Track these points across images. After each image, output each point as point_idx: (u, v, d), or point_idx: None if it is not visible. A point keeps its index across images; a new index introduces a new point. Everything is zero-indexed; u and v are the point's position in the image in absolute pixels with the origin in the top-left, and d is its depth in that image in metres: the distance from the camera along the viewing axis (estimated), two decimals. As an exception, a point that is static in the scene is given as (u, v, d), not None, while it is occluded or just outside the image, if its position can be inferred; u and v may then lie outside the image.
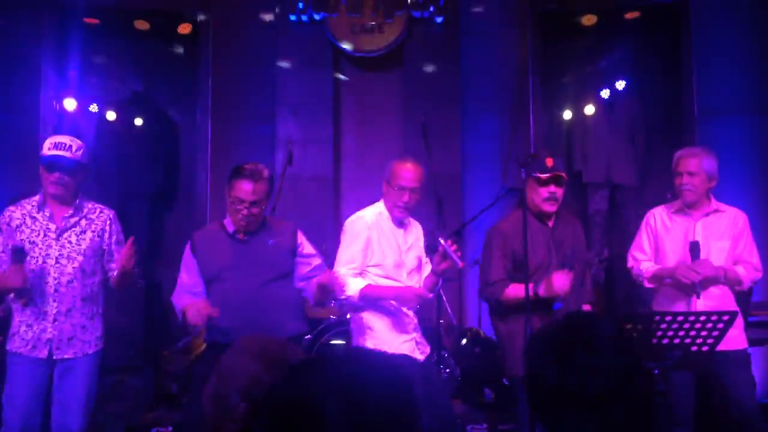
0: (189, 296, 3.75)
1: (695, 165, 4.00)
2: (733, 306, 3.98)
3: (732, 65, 6.53)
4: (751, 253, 4.05)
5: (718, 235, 4.02)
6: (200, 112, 6.83)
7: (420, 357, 3.83)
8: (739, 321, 3.95)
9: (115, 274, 3.84)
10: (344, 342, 5.00)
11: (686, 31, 6.69)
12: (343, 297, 3.77)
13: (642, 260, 4.17)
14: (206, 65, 6.77)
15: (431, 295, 3.91)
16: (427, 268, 3.95)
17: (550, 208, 3.81)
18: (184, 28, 7.02)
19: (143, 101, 7.15)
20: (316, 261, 3.89)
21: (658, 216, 4.18)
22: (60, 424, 3.75)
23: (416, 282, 3.92)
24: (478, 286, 6.10)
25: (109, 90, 7.23)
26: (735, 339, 3.93)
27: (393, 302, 3.79)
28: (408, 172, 3.80)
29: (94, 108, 7.00)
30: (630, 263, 4.25)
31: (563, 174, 3.82)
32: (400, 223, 3.90)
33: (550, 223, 3.89)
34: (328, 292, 3.69)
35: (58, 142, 3.76)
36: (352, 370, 1.29)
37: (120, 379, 5.17)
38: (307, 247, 3.89)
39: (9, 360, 3.79)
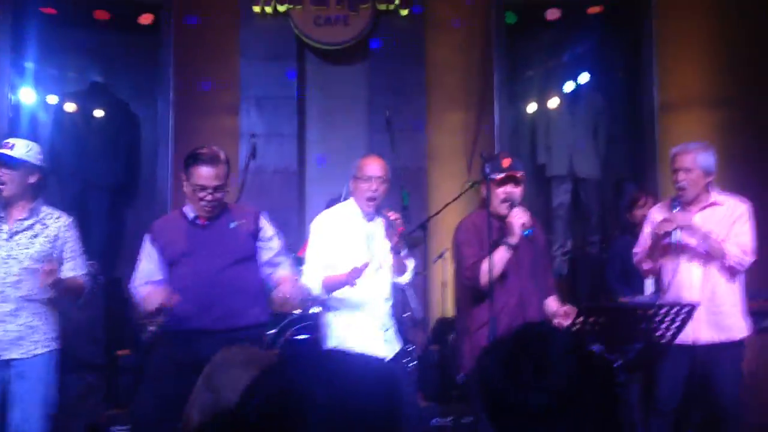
0: (149, 285, 3.70)
1: (690, 161, 4.01)
2: (738, 293, 4.01)
3: (691, 60, 6.63)
4: (743, 234, 4.03)
5: (715, 227, 4.02)
6: (162, 104, 6.72)
7: (386, 355, 3.81)
8: (734, 311, 4.00)
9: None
10: (309, 336, 4.97)
11: (647, 25, 6.77)
12: (310, 296, 3.80)
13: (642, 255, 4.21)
14: (168, 56, 6.66)
15: (405, 278, 3.98)
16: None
17: (506, 207, 3.78)
18: (146, 19, 6.89)
19: (103, 93, 7.02)
20: (276, 244, 3.85)
21: (658, 213, 4.21)
22: (17, 429, 3.65)
23: (385, 277, 3.91)
24: (445, 284, 6.18)
25: (68, 81, 7.09)
26: (729, 329, 3.98)
27: (355, 295, 3.77)
28: (372, 162, 3.90)
29: (52, 99, 6.86)
30: (635, 258, 4.29)
31: (517, 174, 3.80)
32: (370, 218, 3.90)
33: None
34: (291, 301, 3.68)
35: (4, 142, 3.78)
36: (335, 370, 1.28)
37: (81, 377, 5.09)
38: (268, 231, 3.85)
39: None
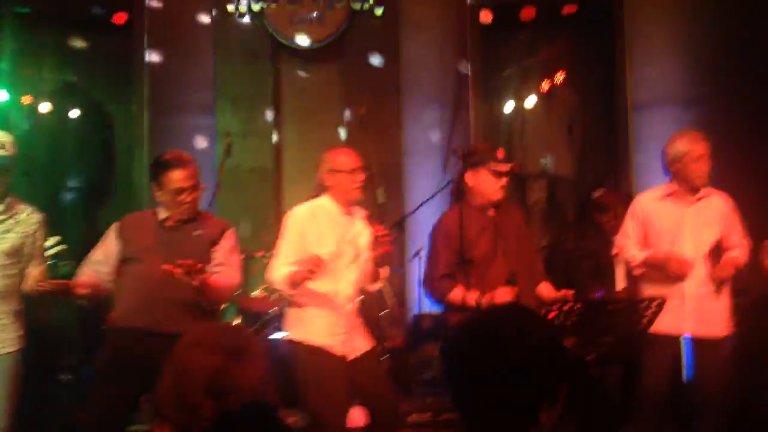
0: (90, 273, 3.74)
1: (705, 148, 4.02)
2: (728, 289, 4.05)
3: (666, 59, 6.69)
4: (742, 234, 4.09)
5: (708, 220, 4.04)
6: (136, 104, 6.69)
7: (348, 355, 3.81)
8: (722, 307, 4.04)
9: (29, 283, 3.75)
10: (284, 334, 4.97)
11: (621, 25, 6.83)
12: (276, 287, 3.80)
13: (628, 247, 4.17)
14: (141, 56, 6.63)
15: (376, 286, 3.98)
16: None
17: (501, 196, 3.89)
18: (119, 18, 6.85)
19: (77, 93, 6.97)
20: (222, 257, 3.80)
21: (644, 203, 4.18)
22: None
23: (356, 275, 3.90)
24: (419, 276, 6.19)
25: (41, 81, 7.03)
26: (715, 325, 4.02)
27: (322, 289, 3.77)
28: (350, 154, 3.89)
29: (25, 99, 6.80)
30: (614, 250, 4.28)
31: (514, 167, 3.93)
32: (348, 212, 3.90)
33: (491, 213, 3.93)
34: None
35: None
36: None
37: (55, 378, 5.05)
38: (229, 242, 3.84)
39: None
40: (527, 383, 1.43)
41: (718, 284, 4.04)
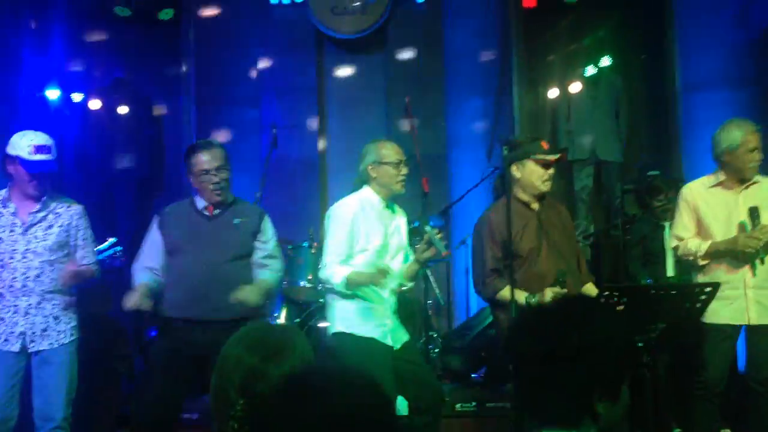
0: (145, 271, 3.83)
1: (758, 139, 3.98)
2: None
3: (713, 40, 6.55)
4: None
5: (761, 202, 3.98)
6: (184, 98, 6.81)
7: (392, 344, 3.83)
8: None
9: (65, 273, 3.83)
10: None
11: (668, 6, 6.70)
12: (329, 285, 3.79)
13: (687, 238, 4.10)
14: (188, 50, 6.74)
15: (411, 285, 3.97)
16: (410, 255, 3.97)
17: (548, 188, 3.85)
18: (166, 14, 6.97)
19: (126, 88, 7.10)
20: (271, 246, 3.93)
21: (695, 192, 4.13)
22: (42, 414, 3.78)
23: (398, 267, 3.91)
24: (468, 271, 6.19)
25: (91, 77, 7.18)
26: None
27: (370, 289, 3.80)
28: (394, 147, 3.91)
29: (76, 96, 6.97)
30: (674, 243, 4.20)
31: (557, 158, 3.88)
32: (388, 205, 3.91)
33: (536, 207, 3.90)
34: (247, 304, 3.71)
35: (39, 146, 3.74)
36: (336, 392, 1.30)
37: (108, 368, 5.17)
38: (268, 232, 3.94)
39: None
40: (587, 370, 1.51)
41: None
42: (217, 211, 3.85)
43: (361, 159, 3.91)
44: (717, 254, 4.01)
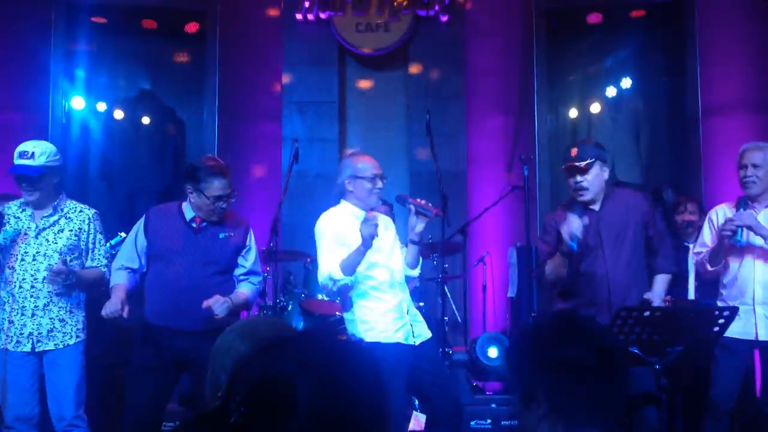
0: (124, 272, 3.85)
1: (760, 158, 4.04)
2: None
3: (735, 64, 6.56)
4: None
5: None
6: (207, 111, 6.89)
7: (415, 341, 3.85)
8: None
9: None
10: (350, 336, 5.04)
11: (690, 29, 6.72)
12: (334, 285, 3.77)
13: (703, 253, 4.19)
14: (213, 64, 6.82)
15: (416, 272, 3.99)
16: (404, 251, 3.99)
17: (579, 197, 3.89)
18: (191, 27, 7.08)
19: (151, 99, 7.21)
20: (250, 261, 3.96)
21: (720, 212, 4.19)
22: (56, 414, 3.90)
23: (398, 263, 3.93)
24: (485, 287, 6.23)
25: (117, 88, 7.30)
26: None
27: (375, 271, 3.79)
28: (371, 161, 3.90)
29: (101, 106, 7.07)
30: (694, 259, 4.31)
31: (576, 164, 3.86)
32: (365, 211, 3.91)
33: (595, 207, 3.93)
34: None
35: (22, 151, 3.88)
36: (327, 353, 1.32)
37: (120, 372, 5.22)
38: (250, 248, 3.97)
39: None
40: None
41: None
42: (204, 224, 3.86)
43: (339, 173, 3.94)
44: (717, 253, 4.07)
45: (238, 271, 3.96)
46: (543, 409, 1.58)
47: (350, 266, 3.71)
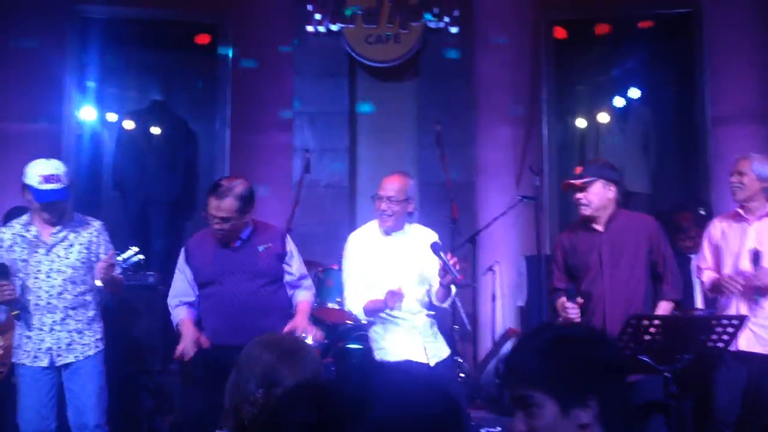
0: (183, 307, 3.92)
1: (746, 165, 4.11)
2: None
3: (743, 74, 6.58)
4: None
5: None
6: (219, 122, 6.96)
7: (429, 361, 3.89)
8: None
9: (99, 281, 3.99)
10: (360, 346, 5.07)
11: (698, 40, 6.74)
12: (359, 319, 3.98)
13: (704, 269, 4.26)
14: (224, 75, 6.89)
15: (445, 304, 4.01)
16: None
17: (582, 212, 3.96)
18: (203, 39, 7.15)
19: (162, 111, 7.26)
20: (296, 266, 4.04)
21: (717, 225, 4.26)
22: (77, 423, 3.93)
23: (416, 292, 3.96)
24: (495, 297, 6.25)
25: (129, 100, 7.37)
26: None
27: (391, 312, 3.86)
28: (386, 182, 3.99)
29: (112, 117, 7.14)
30: (696, 274, 4.40)
31: (572, 182, 3.92)
32: (387, 233, 3.98)
33: (600, 228, 3.95)
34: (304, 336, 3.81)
35: (48, 175, 3.82)
36: (384, 383, 1.31)
37: (141, 384, 5.27)
38: (293, 254, 4.04)
39: (16, 372, 3.99)
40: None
41: None
42: (238, 243, 3.91)
43: None
44: (717, 288, 4.13)
45: (287, 278, 4.00)
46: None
47: (371, 313, 3.88)
